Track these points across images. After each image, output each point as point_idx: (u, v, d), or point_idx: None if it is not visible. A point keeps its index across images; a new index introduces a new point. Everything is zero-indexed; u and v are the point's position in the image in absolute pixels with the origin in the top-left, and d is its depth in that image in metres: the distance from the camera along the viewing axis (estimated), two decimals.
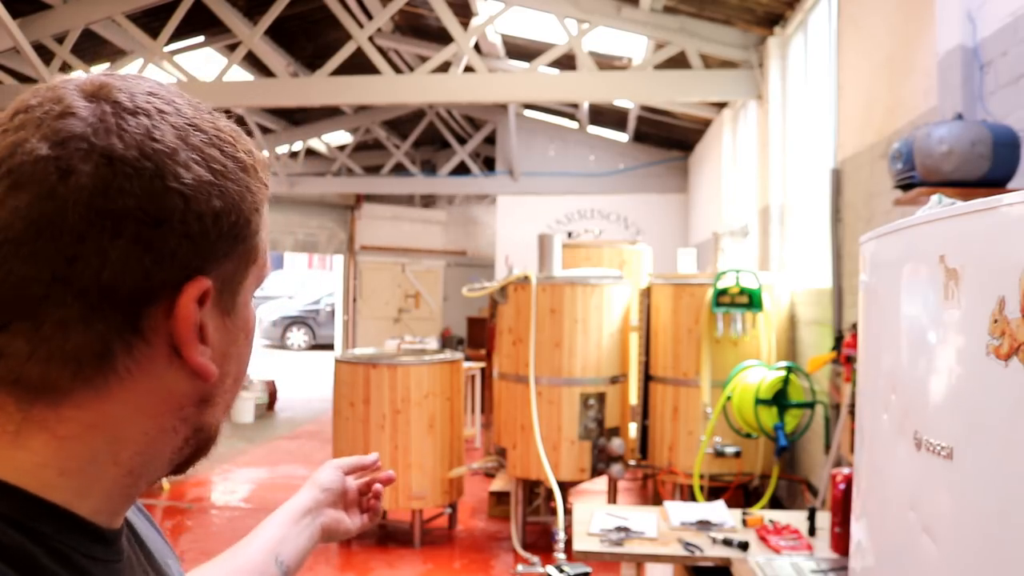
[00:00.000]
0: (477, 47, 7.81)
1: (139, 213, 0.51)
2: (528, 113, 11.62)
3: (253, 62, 8.18)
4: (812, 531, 3.04)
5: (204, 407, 0.60)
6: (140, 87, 0.56)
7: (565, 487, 4.93)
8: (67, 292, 0.50)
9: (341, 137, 12.40)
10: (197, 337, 0.56)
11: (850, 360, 3.51)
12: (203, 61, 8.20)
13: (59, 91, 0.54)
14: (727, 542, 2.94)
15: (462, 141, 12.58)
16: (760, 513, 3.28)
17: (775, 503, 5.01)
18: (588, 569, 2.51)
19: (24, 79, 7.30)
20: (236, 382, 0.63)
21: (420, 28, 8.79)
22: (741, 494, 4.89)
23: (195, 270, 0.54)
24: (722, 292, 4.77)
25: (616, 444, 4.97)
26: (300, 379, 12.87)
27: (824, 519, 3.04)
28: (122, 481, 0.57)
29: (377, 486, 1.13)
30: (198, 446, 0.62)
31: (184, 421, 0.59)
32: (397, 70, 9.17)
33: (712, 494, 4.60)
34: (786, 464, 5.11)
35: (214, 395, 0.60)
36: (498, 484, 6.09)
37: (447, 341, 12.59)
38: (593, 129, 11.52)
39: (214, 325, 0.58)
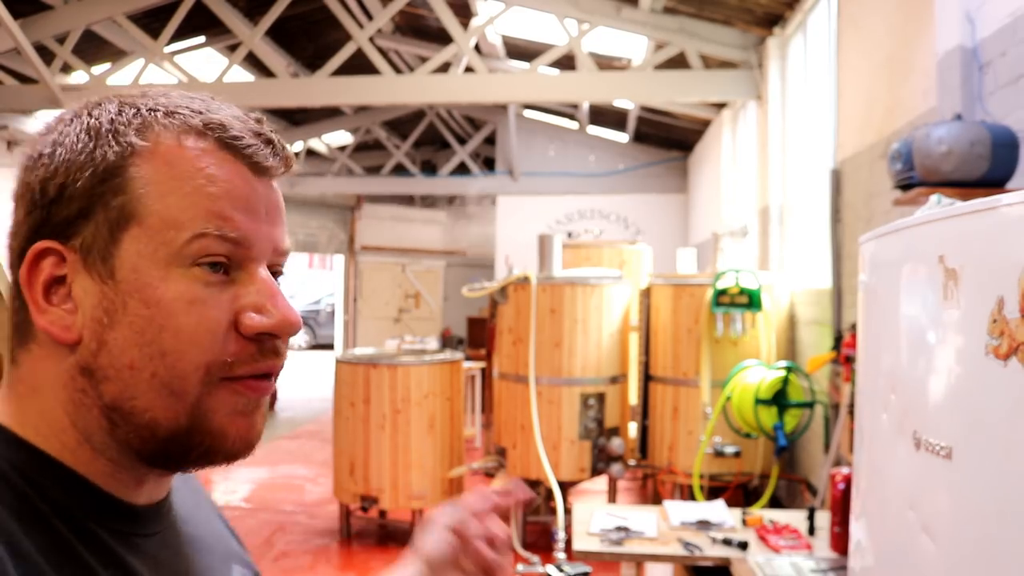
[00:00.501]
0: (477, 47, 7.82)
1: (13, 196, 0.62)
2: (528, 113, 11.62)
3: (254, 63, 8.18)
4: (811, 531, 3.05)
5: (95, 380, 0.59)
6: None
7: (565, 487, 4.94)
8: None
9: (341, 137, 12.41)
10: (39, 296, 0.59)
11: (849, 360, 3.52)
12: (204, 62, 8.20)
13: None
14: (727, 542, 2.94)
15: (462, 141, 12.58)
16: (760, 513, 3.28)
17: (775, 503, 5.01)
18: (588, 569, 2.51)
19: (24, 79, 7.30)
20: (145, 357, 0.58)
21: (420, 28, 8.79)
22: (741, 494, 4.89)
23: (38, 236, 0.59)
24: (722, 292, 4.78)
25: (616, 444, 4.98)
26: (300, 379, 12.87)
27: (823, 519, 3.04)
28: (87, 454, 0.60)
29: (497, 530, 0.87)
30: (141, 434, 0.59)
31: (83, 393, 0.59)
32: (397, 70, 9.17)
33: (712, 494, 4.61)
34: (786, 464, 5.11)
35: (99, 366, 0.58)
36: (498, 484, 6.09)
37: (447, 341, 12.59)
38: (593, 129, 11.52)
39: (84, 289, 0.59)
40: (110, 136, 0.59)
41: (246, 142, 0.62)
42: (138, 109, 0.61)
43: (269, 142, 0.64)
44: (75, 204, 0.58)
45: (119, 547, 0.59)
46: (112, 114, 0.61)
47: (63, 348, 0.59)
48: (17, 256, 0.60)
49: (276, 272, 0.66)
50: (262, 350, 0.62)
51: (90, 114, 0.61)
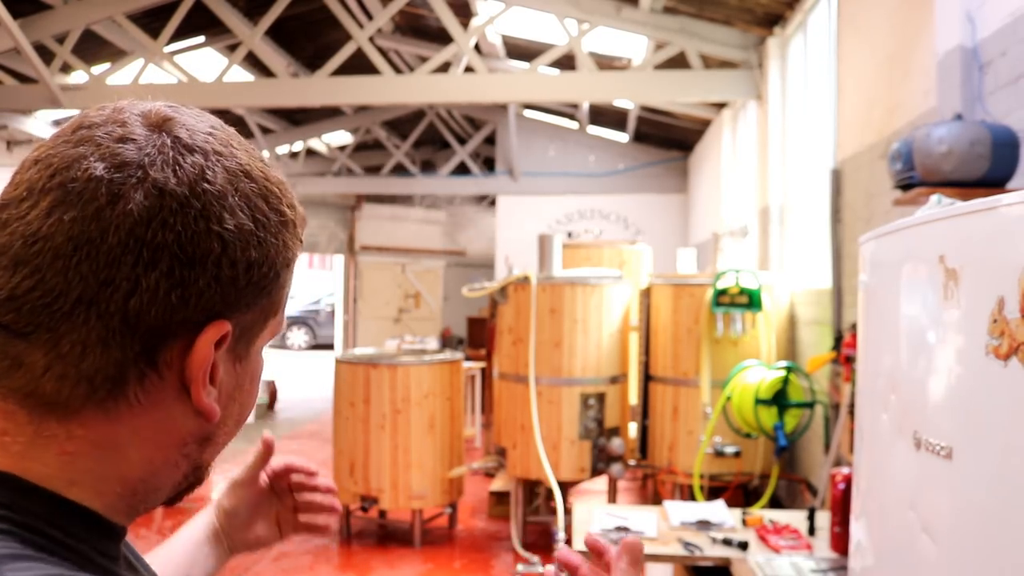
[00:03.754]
0: (477, 47, 7.82)
1: (177, 249, 0.52)
2: (528, 113, 11.62)
3: (253, 62, 8.18)
4: (812, 531, 3.05)
5: (205, 445, 0.61)
6: (201, 125, 0.57)
7: (565, 487, 4.93)
8: (91, 313, 0.51)
9: (341, 137, 12.41)
10: (207, 378, 0.56)
11: (850, 360, 3.51)
12: (203, 61, 8.20)
13: (123, 114, 0.55)
14: (727, 542, 2.94)
15: (462, 141, 12.58)
16: (760, 513, 3.28)
17: (775, 503, 5.01)
18: None
19: (24, 79, 7.30)
20: (236, 424, 0.63)
21: (420, 28, 8.79)
22: (741, 494, 4.89)
23: (218, 314, 0.54)
24: (722, 292, 4.78)
25: (616, 444, 4.98)
26: (300, 379, 12.86)
27: (824, 519, 3.04)
28: (126, 500, 0.57)
29: (319, 497, 1.05)
30: (192, 483, 0.63)
31: (186, 457, 0.60)
32: (397, 70, 9.17)
33: (712, 494, 4.61)
34: (786, 464, 5.11)
35: (215, 435, 0.61)
36: (498, 484, 6.10)
37: (447, 341, 12.60)
38: (593, 129, 11.52)
39: (225, 369, 0.58)
40: (293, 227, 0.60)
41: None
42: (287, 194, 0.61)
43: None
44: (255, 292, 0.57)
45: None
46: (280, 193, 0.59)
47: (188, 419, 0.57)
48: (181, 323, 0.53)
49: None
50: None
51: (267, 188, 0.57)
